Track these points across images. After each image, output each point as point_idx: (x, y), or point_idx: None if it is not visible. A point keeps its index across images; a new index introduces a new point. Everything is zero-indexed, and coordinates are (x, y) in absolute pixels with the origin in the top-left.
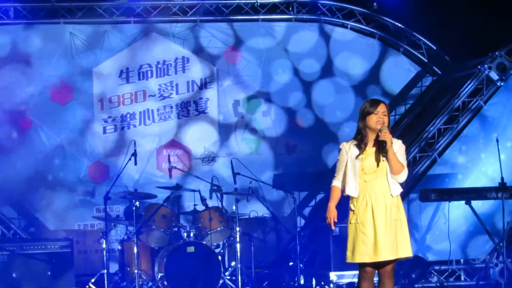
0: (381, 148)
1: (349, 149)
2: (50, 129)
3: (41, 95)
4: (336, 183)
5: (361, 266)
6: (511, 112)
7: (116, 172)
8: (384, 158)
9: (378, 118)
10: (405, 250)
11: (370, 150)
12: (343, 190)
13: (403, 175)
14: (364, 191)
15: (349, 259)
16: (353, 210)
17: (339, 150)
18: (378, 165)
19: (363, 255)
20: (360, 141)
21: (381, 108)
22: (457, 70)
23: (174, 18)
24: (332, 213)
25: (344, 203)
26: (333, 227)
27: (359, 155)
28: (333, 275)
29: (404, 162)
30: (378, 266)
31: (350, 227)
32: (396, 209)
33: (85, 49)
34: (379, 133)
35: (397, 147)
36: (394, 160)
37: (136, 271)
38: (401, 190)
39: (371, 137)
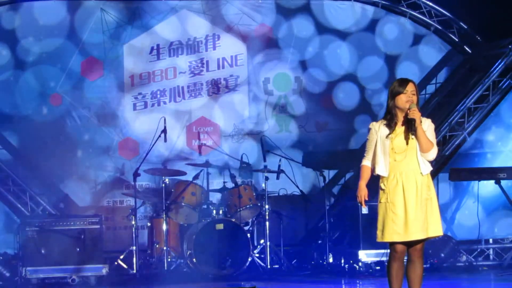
0: (410, 126)
1: (378, 128)
2: (80, 105)
3: (71, 71)
4: (366, 162)
5: (391, 245)
6: None
7: (145, 149)
8: (413, 136)
9: (407, 98)
10: (436, 229)
11: (400, 129)
12: (372, 170)
13: (433, 153)
14: (394, 170)
15: (379, 239)
16: (383, 189)
17: (369, 129)
18: (407, 143)
19: (393, 234)
20: (390, 120)
21: (410, 87)
22: (488, 50)
23: None
24: (362, 192)
25: (373, 182)
26: (363, 206)
27: (389, 134)
28: (362, 254)
29: (434, 141)
30: (408, 245)
31: (380, 206)
32: (426, 188)
33: (116, 25)
34: (408, 111)
35: (426, 126)
36: (423, 138)
37: (165, 248)
38: (431, 168)
39: (401, 117)
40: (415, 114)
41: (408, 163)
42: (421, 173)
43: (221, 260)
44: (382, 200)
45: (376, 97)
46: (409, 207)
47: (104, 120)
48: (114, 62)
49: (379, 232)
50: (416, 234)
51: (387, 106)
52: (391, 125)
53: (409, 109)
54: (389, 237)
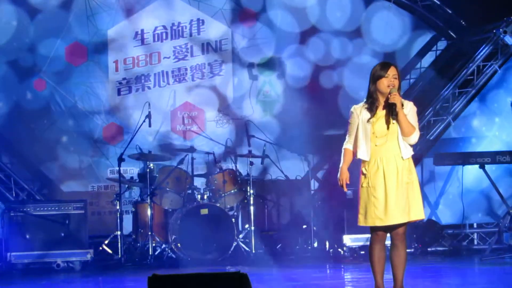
0: (391, 111)
1: (360, 112)
2: (65, 90)
3: (56, 56)
4: (348, 145)
5: (372, 229)
6: None
7: (130, 134)
8: (394, 121)
9: (389, 82)
10: (417, 212)
11: (381, 113)
12: (354, 154)
13: (414, 137)
14: (375, 154)
15: (361, 223)
16: (364, 174)
17: (351, 113)
18: (388, 128)
19: (374, 218)
20: (371, 104)
21: (392, 71)
22: (473, 34)
23: None
24: (344, 175)
25: (358, 166)
26: (345, 189)
27: (370, 118)
28: (346, 238)
29: (416, 124)
30: (390, 229)
31: (362, 190)
32: (407, 172)
33: (100, 10)
34: (389, 96)
35: (408, 109)
36: (404, 122)
37: (149, 233)
38: (412, 153)
39: (382, 101)
40: (396, 98)
41: (389, 148)
42: (402, 157)
43: (206, 245)
44: (363, 184)
45: (359, 82)
46: (389, 191)
47: (89, 105)
48: (99, 47)
49: (361, 217)
50: (396, 218)
51: (368, 89)
52: (372, 109)
53: (389, 93)
54: (371, 222)
